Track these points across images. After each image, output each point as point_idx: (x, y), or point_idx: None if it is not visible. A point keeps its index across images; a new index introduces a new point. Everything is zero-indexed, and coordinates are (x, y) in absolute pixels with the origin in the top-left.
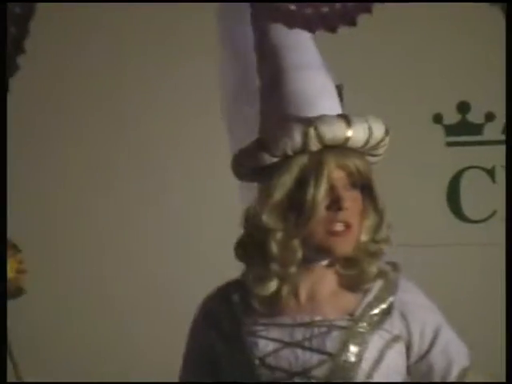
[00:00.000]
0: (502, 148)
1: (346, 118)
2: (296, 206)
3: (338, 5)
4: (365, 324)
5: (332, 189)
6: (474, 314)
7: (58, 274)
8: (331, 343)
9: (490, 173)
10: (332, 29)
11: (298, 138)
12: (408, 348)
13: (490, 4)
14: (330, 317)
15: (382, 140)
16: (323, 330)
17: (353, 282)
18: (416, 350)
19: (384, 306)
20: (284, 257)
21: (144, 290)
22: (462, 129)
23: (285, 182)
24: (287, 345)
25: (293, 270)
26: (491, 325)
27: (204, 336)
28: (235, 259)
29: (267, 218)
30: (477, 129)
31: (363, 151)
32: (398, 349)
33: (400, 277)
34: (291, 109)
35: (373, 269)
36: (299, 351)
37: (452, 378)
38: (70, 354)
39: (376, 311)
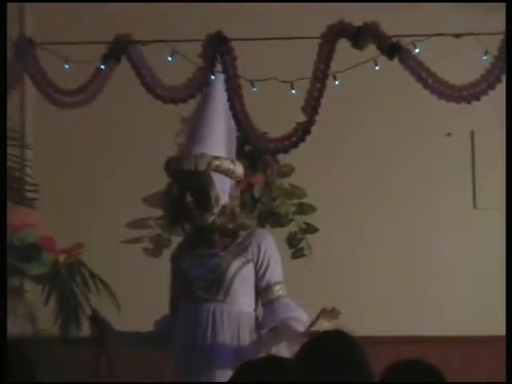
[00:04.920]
0: None
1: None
2: None
3: None
4: (232, 254)
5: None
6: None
7: None
8: (212, 263)
9: None
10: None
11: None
12: (256, 267)
13: None
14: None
15: (228, 169)
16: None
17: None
18: (258, 269)
19: (246, 243)
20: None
21: None
22: None
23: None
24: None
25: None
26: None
27: None
28: None
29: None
30: None
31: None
32: (250, 266)
33: (262, 229)
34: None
35: (246, 222)
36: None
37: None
38: None
39: (241, 246)
